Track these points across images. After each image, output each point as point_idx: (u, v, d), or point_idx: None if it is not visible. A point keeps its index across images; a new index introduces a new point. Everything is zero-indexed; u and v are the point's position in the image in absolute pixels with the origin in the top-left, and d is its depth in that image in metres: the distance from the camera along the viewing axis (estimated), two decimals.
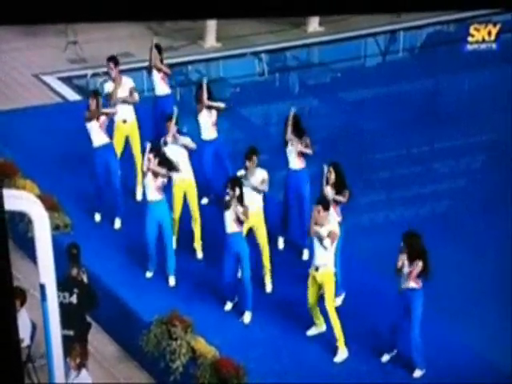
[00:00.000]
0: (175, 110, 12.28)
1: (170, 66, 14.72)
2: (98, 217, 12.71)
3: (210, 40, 19.83)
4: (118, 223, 12.61)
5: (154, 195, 11.32)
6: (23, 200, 7.02)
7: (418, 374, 10.21)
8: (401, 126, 16.40)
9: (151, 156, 11.27)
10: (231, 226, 10.75)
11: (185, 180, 11.90)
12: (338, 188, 10.86)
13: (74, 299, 9.85)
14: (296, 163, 11.80)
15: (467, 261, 12.50)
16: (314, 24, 20.57)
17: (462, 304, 11.49)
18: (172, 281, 11.48)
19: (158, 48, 14.04)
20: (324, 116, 17.61)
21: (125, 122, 13.13)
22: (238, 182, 10.86)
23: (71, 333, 9.51)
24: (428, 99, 17.77)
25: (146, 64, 14.48)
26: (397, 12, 3.44)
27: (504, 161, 13.81)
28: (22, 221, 10.86)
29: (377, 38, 20.64)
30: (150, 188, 11.32)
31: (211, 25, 19.55)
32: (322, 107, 18.25)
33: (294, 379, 10.05)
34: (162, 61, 13.97)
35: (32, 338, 10.01)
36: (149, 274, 11.59)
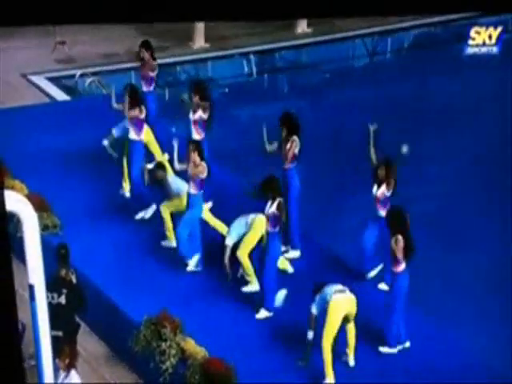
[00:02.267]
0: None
1: (159, 66, 14.70)
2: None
3: (199, 41, 19.84)
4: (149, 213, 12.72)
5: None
6: (12, 200, 7.01)
7: (385, 350, 10.32)
8: (390, 127, 16.42)
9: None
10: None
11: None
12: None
13: (62, 300, 9.82)
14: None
15: (462, 264, 12.54)
16: (302, 25, 20.60)
17: (458, 306, 11.54)
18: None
19: (148, 44, 14.03)
20: (312, 117, 17.63)
21: None
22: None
23: (60, 333, 9.48)
24: (420, 100, 17.78)
25: (134, 64, 14.48)
26: (390, 15, 3.45)
27: (502, 164, 13.84)
28: (10, 221, 10.81)
29: (369, 39, 20.67)
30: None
31: (200, 26, 19.56)
32: (311, 108, 18.27)
33: (283, 379, 10.05)
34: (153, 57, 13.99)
35: (21, 338, 9.97)
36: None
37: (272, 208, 10.72)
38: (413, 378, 10.07)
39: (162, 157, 13.21)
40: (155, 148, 13.29)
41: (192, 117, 12.77)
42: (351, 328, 10.14)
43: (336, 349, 10.02)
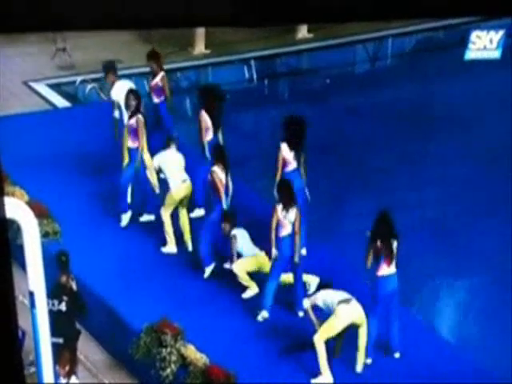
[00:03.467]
0: None
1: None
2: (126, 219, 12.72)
3: (199, 46, 19.81)
4: (147, 218, 12.66)
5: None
6: (12, 207, 7.00)
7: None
8: (392, 132, 16.41)
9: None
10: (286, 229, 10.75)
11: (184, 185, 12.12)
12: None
13: (63, 307, 9.80)
14: None
15: (464, 266, 12.53)
16: (303, 30, 20.59)
17: (454, 310, 11.54)
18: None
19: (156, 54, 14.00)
20: (313, 122, 17.60)
21: None
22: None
23: (60, 340, 9.47)
24: (421, 105, 17.75)
25: (135, 71, 14.44)
26: (391, 20, 3.43)
27: (501, 169, 13.82)
28: (11, 228, 10.79)
29: (370, 44, 20.63)
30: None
31: (200, 31, 19.53)
32: (311, 114, 18.25)
33: None
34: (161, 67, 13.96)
35: (21, 345, 9.95)
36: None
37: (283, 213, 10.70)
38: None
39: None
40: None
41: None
42: (363, 333, 10.10)
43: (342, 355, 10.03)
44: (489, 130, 15.85)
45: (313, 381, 10.09)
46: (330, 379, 10.05)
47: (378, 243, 10.10)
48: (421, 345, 10.65)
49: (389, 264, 10.12)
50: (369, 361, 10.32)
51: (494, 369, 10.25)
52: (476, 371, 10.28)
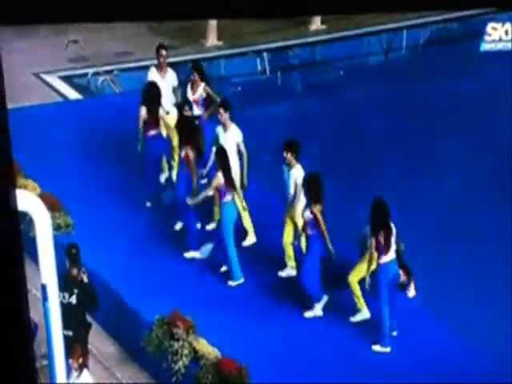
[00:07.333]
0: None
1: (172, 64, 14.65)
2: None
3: (212, 38, 19.79)
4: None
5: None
6: (25, 200, 6.99)
7: (377, 348, 10.39)
8: (404, 124, 16.35)
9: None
10: None
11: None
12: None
13: (73, 299, 9.79)
14: None
15: (467, 262, 12.47)
16: (316, 22, 20.52)
17: (461, 304, 11.49)
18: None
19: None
20: (326, 114, 17.56)
21: (168, 113, 13.10)
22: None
23: (71, 333, 9.46)
24: (435, 97, 17.68)
25: (147, 63, 14.41)
26: (400, 11, 3.38)
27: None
28: (23, 221, 10.80)
29: (384, 35, 20.55)
30: None
31: (212, 23, 19.51)
32: (324, 105, 18.19)
33: (296, 379, 10.00)
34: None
35: (33, 338, 9.94)
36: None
37: (307, 212, 10.67)
38: (407, 372, 10.05)
39: None
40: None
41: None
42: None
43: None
44: (504, 122, 15.75)
45: (352, 318, 10.54)
46: (368, 314, 10.51)
47: (379, 232, 10.17)
48: (420, 332, 10.65)
49: (388, 251, 10.20)
50: (387, 349, 10.37)
51: (495, 357, 10.22)
52: (475, 357, 10.26)
